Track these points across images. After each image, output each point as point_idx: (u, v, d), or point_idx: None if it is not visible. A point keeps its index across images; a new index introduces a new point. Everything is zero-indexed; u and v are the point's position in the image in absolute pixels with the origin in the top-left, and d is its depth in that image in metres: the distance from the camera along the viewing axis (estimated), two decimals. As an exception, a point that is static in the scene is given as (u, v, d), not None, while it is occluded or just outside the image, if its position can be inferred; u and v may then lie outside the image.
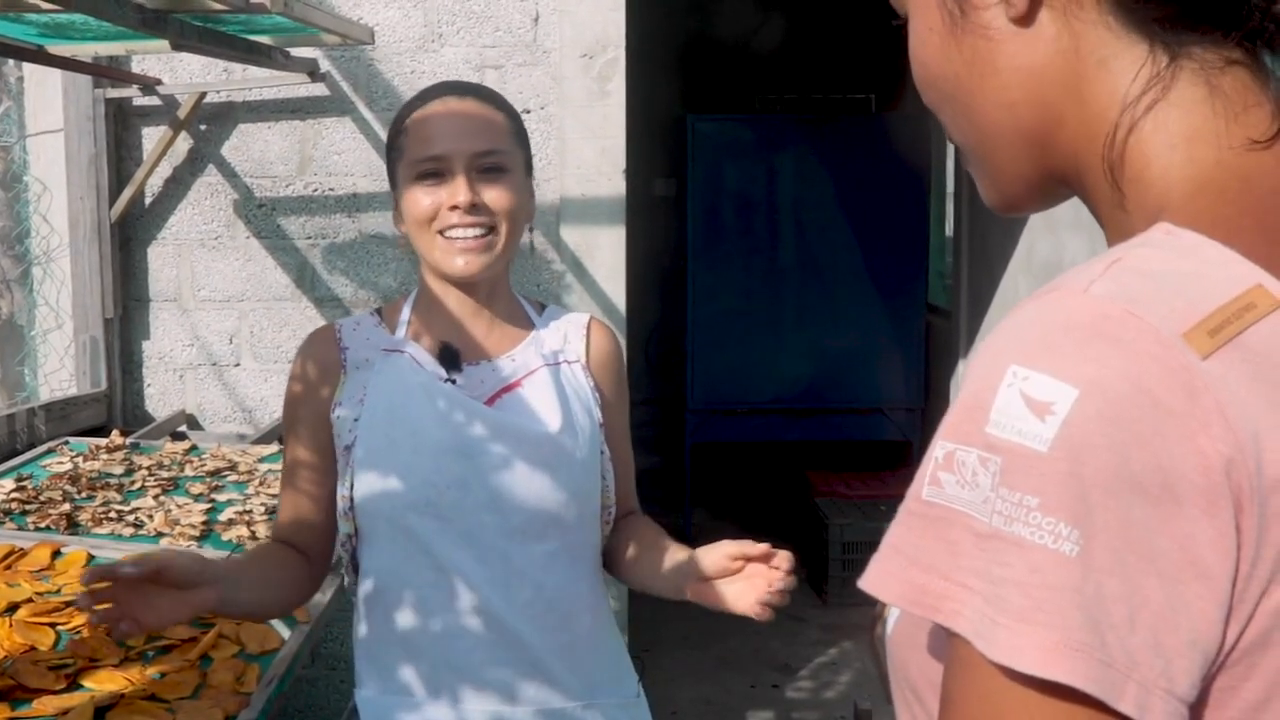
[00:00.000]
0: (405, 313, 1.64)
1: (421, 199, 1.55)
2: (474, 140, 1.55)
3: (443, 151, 1.54)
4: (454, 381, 1.59)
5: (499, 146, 1.57)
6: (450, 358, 1.60)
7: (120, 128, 3.63)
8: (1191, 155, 0.66)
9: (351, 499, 1.57)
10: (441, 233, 1.55)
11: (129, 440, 3.22)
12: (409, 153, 1.57)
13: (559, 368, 1.63)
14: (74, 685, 1.82)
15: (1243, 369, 0.58)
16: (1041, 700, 0.56)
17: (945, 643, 0.62)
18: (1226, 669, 0.58)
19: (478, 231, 1.55)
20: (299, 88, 3.56)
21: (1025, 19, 0.69)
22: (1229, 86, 0.66)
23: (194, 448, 3.20)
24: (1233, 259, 0.61)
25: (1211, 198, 0.65)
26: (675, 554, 1.58)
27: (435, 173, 1.55)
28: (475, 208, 1.54)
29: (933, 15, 0.73)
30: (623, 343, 3.54)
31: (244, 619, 1.90)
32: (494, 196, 1.55)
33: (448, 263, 1.56)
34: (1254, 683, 0.58)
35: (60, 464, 2.97)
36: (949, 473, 0.60)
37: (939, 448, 0.62)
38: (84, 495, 2.71)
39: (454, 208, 1.53)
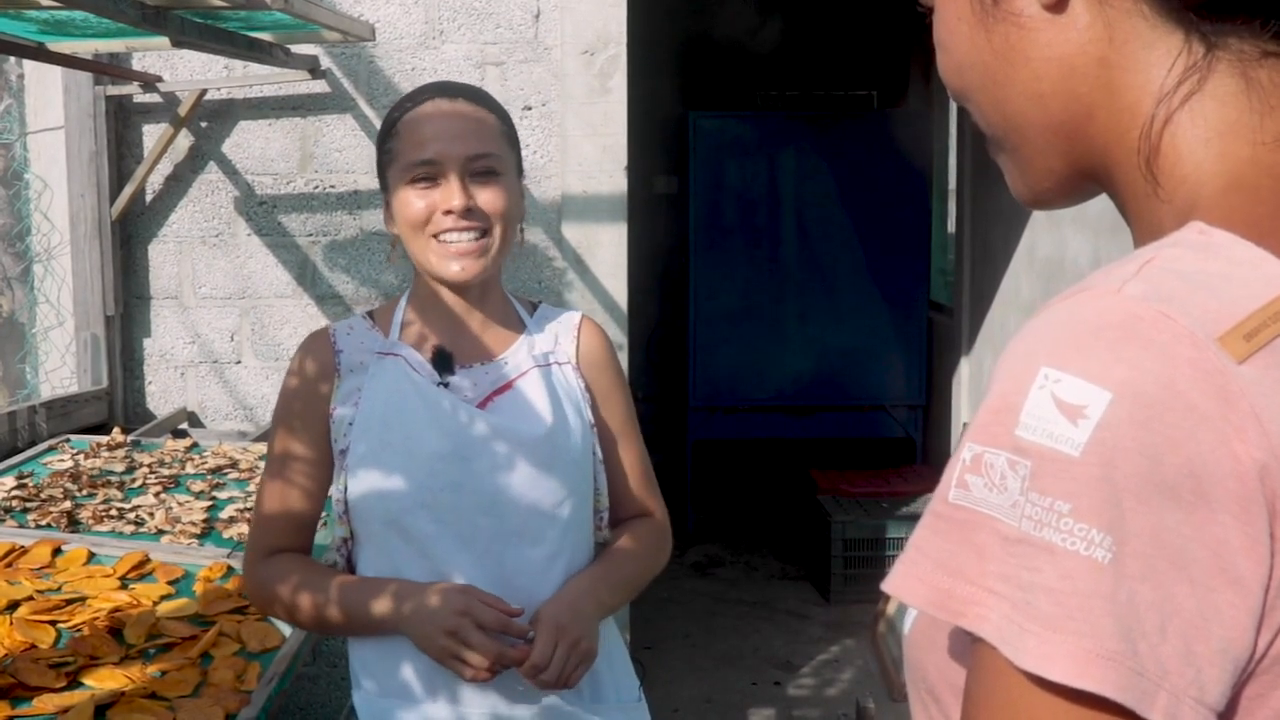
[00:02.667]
0: (399, 314, 1.64)
1: (414, 202, 1.55)
2: (466, 143, 1.55)
3: (435, 155, 1.54)
4: (447, 385, 1.58)
5: (491, 149, 1.57)
6: (444, 361, 1.59)
7: (121, 125, 3.62)
8: (1225, 151, 0.65)
9: (346, 502, 1.56)
10: (435, 236, 1.55)
11: (130, 438, 3.22)
12: (401, 156, 1.56)
13: (550, 369, 1.63)
14: (74, 683, 1.82)
15: (1278, 373, 0.57)
16: (1070, 709, 0.55)
17: (965, 645, 0.61)
18: (1256, 677, 0.57)
19: (472, 235, 1.54)
20: (300, 85, 3.55)
21: (1058, 6, 0.67)
22: (1265, 79, 0.65)
23: (195, 445, 3.20)
24: (1267, 260, 0.60)
25: (1245, 196, 0.64)
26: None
27: (428, 176, 1.54)
28: (470, 211, 1.53)
29: (962, 3, 0.72)
30: (624, 340, 3.54)
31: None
32: (487, 199, 1.55)
33: (443, 267, 1.56)
34: None
35: (61, 462, 2.97)
36: (977, 475, 0.59)
37: (966, 450, 0.60)
38: (85, 493, 2.71)
39: (448, 212, 1.53)
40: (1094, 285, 0.61)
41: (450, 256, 1.55)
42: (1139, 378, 0.56)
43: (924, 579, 0.60)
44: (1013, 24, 0.69)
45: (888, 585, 0.63)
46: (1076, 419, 0.56)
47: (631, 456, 1.70)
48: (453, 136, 1.54)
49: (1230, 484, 0.55)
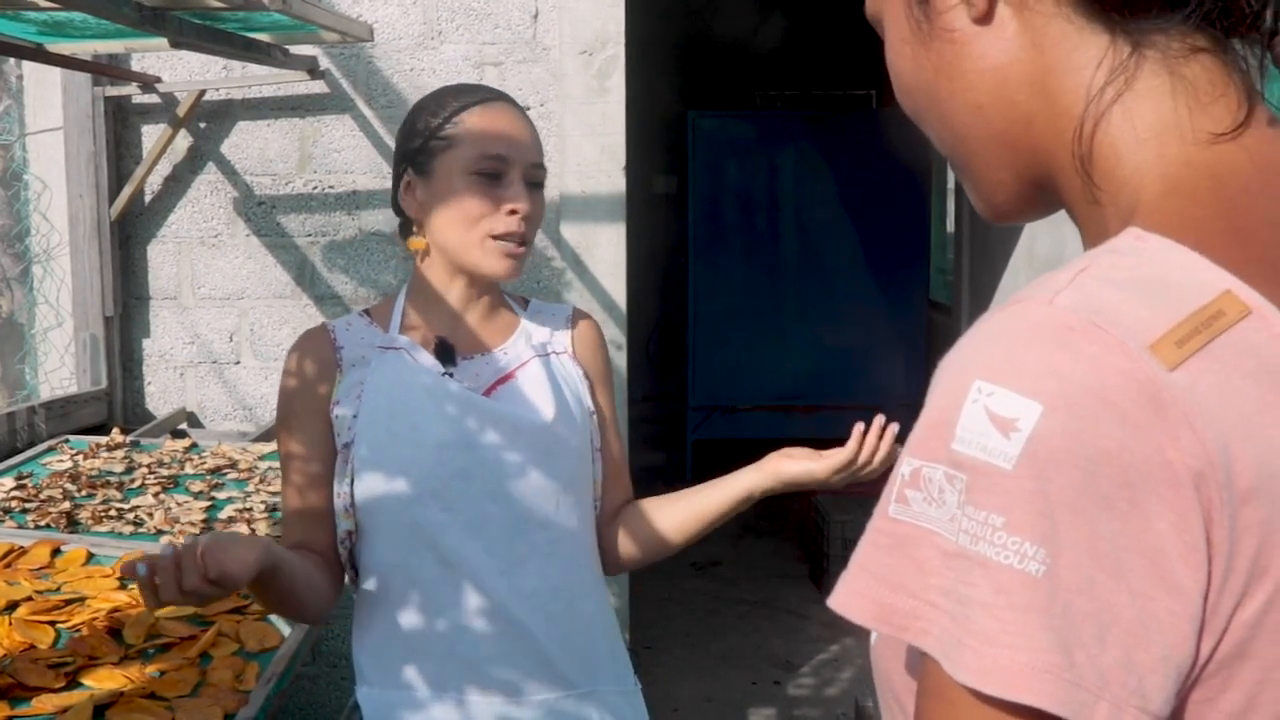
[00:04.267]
0: (398, 309, 1.65)
1: (475, 198, 1.56)
2: (530, 151, 1.59)
3: (508, 154, 1.56)
4: (451, 375, 1.59)
5: (543, 161, 1.62)
6: (446, 353, 1.61)
7: (119, 126, 3.62)
8: (1162, 152, 0.65)
9: (352, 495, 1.57)
10: (490, 234, 1.56)
11: (129, 438, 3.22)
12: (468, 146, 1.56)
13: (549, 358, 1.65)
14: (73, 683, 1.82)
15: (1212, 379, 0.57)
16: None
17: (918, 655, 0.61)
18: (1203, 682, 0.57)
19: (521, 239, 1.57)
20: (298, 85, 3.55)
21: (985, 17, 0.68)
22: (1195, 75, 0.66)
23: (194, 445, 3.20)
24: (1202, 265, 0.60)
25: (1184, 199, 0.64)
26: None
27: (495, 173, 1.56)
28: (528, 217, 1.57)
29: (903, 25, 0.73)
30: (624, 340, 3.54)
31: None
32: (535, 209, 1.59)
33: (489, 263, 1.57)
34: (1232, 694, 0.58)
35: (60, 462, 2.97)
36: (916, 490, 0.59)
37: (905, 464, 0.61)
38: (84, 493, 2.71)
39: (513, 212, 1.55)
40: (1029, 296, 0.61)
41: (501, 255, 1.56)
42: (1070, 389, 0.56)
43: (866, 594, 0.61)
44: (946, 40, 0.70)
45: (832, 602, 0.63)
46: (1009, 432, 0.56)
47: (616, 444, 1.73)
48: (520, 141, 1.58)
49: (1165, 492, 0.55)
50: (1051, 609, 0.55)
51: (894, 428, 1.62)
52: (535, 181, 1.60)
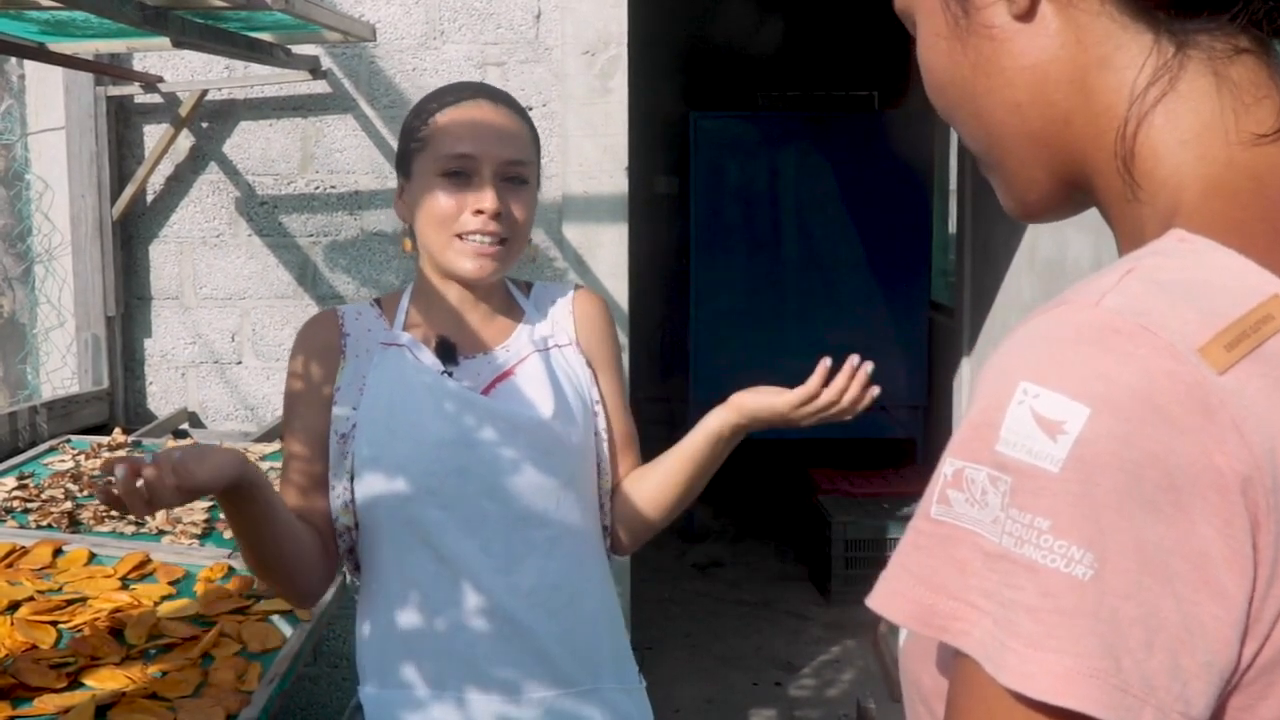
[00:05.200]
0: (403, 306, 1.65)
1: (443, 198, 1.55)
2: (504, 147, 1.56)
3: (474, 151, 1.55)
4: (451, 374, 1.59)
5: (525, 157, 1.59)
6: (447, 351, 1.61)
7: (122, 125, 3.62)
8: (1203, 153, 0.64)
9: (352, 492, 1.57)
10: (459, 235, 1.55)
11: (131, 438, 3.22)
12: (436, 146, 1.56)
13: (549, 353, 1.64)
14: (75, 684, 1.82)
15: (1260, 383, 0.57)
16: None
17: (953, 657, 0.61)
18: (1242, 688, 0.57)
19: (495, 239, 1.55)
20: (300, 85, 3.55)
21: (1027, 14, 0.68)
22: (1238, 76, 0.65)
23: (196, 446, 3.19)
24: (1248, 268, 0.60)
25: (1225, 200, 0.63)
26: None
27: (461, 172, 1.55)
28: (498, 215, 1.54)
29: (938, 20, 0.72)
30: (625, 341, 3.54)
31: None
32: (515, 207, 1.57)
33: (459, 264, 1.56)
34: (1271, 701, 0.57)
35: (62, 462, 2.97)
36: (958, 491, 0.59)
37: (948, 465, 0.60)
38: (86, 493, 2.71)
39: (479, 212, 1.54)
40: (1074, 298, 0.61)
41: (469, 255, 1.55)
42: (1117, 392, 0.56)
43: (907, 595, 0.60)
44: (985, 36, 0.70)
45: (871, 602, 0.62)
46: (1055, 435, 0.56)
47: (625, 420, 1.71)
48: (492, 138, 1.56)
49: (1212, 496, 0.55)
50: (1099, 613, 0.54)
51: (867, 367, 1.57)
52: (513, 178, 1.57)
